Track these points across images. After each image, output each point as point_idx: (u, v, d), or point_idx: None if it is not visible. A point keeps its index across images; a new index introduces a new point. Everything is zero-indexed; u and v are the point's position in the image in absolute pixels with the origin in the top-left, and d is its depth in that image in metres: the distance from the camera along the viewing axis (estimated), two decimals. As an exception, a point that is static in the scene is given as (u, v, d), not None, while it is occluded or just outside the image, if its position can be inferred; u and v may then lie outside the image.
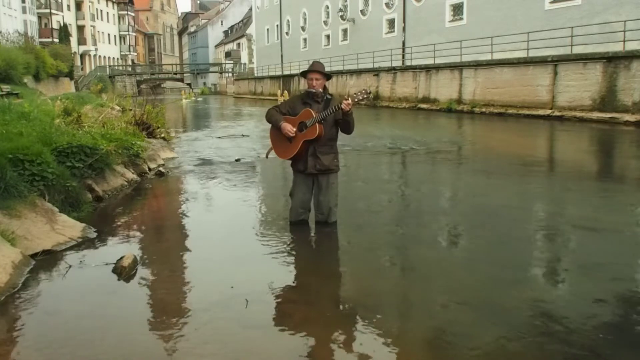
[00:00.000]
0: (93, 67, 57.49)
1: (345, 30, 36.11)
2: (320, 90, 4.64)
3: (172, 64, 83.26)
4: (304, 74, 4.76)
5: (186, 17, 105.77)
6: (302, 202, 4.80)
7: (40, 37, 46.00)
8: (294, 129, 4.54)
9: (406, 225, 5.19)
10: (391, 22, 30.66)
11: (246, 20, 67.24)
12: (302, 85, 35.78)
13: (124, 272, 3.72)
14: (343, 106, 4.37)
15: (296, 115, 4.61)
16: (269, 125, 4.83)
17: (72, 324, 3.04)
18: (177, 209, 6.04)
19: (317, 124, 4.47)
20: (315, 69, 4.66)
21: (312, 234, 4.71)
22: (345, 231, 4.76)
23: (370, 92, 4.68)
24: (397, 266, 4.08)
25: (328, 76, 4.77)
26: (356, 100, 4.45)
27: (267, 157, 5.38)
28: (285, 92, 33.75)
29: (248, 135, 13.84)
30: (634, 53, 15.02)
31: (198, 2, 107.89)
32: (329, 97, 4.64)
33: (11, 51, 25.56)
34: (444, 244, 4.58)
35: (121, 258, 3.84)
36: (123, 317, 3.15)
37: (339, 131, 4.74)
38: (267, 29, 52.20)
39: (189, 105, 34.34)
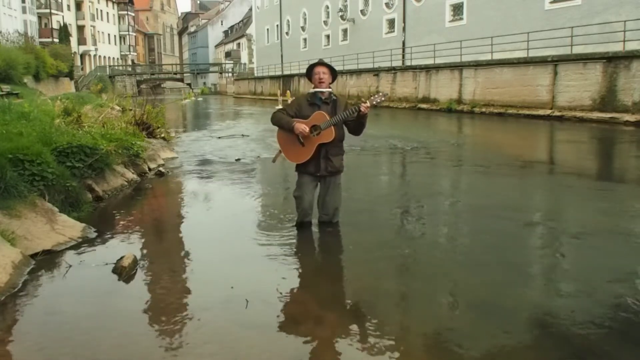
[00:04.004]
0: (93, 67, 57.51)
1: (345, 30, 36.10)
2: (329, 89, 4.58)
3: (172, 64, 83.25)
4: (309, 72, 4.65)
5: (186, 17, 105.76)
6: (310, 203, 4.74)
7: (40, 37, 46.02)
8: (307, 129, 4.41)
9: (407, 225, 5.19)
10: (391, 22, 30.67)
11: (246, 20, 67.25)
12: (302, 85, 35.82)
13: (124, 272, 3.72)
14: (362, 109, 4.33)
15: (305, 118, 4.49)
16: (269, 125, 4.78)
17: (72, 324, 3.04)
18: (177, 209, 6.04)
19: (332, 127, 4.41)
20: (324, 63, 4.59)
21: (313, 234, 4.70)
22: (346, 231, 4.76)
23: (387, 94, 4.65)
24: (398, 266, 4.06)
25: (334, 73, 4.65)
26: (374, 103, 4.44)
27: (274, 161, 5.22)
28: (288, 92, 33.56)
29: (248, 135, 13.84)
30: (634, 53, 15.03)
31: (198, 2, 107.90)
32: (334, 97, 4.59)
33: (11, 51, 25.54)
34: (445, 245, 4.57)
35: (121, 258, 3.84)
36: (123, 317, 3.14)
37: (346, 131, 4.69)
38: (267, 29, 52.20)
39: (189, 105, 34.30)
